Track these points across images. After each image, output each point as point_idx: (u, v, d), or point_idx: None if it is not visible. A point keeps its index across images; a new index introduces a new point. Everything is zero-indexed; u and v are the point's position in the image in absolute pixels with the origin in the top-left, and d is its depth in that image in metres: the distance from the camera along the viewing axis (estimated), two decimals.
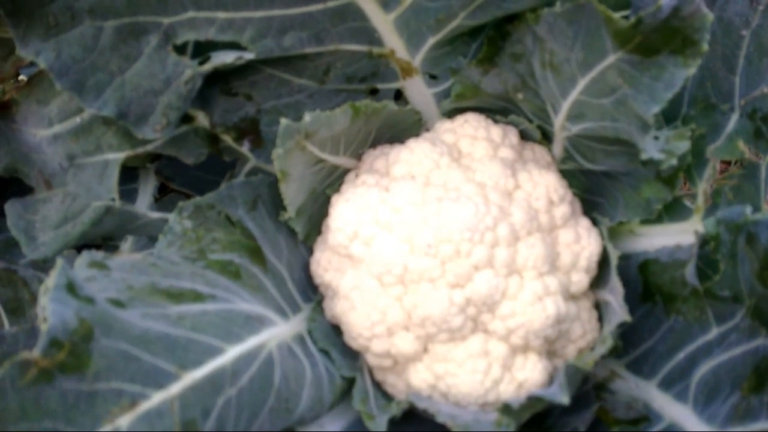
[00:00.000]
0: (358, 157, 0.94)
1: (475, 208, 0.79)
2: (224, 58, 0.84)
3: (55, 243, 0.89)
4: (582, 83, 0.75)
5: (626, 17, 0.77)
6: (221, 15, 0.82)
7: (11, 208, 0.92)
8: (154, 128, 0.82)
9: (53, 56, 0.78)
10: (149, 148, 0.89)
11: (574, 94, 0.78)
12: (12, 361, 0.48)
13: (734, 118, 0.81)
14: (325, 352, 0.82)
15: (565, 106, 0.81)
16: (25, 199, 0.93)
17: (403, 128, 0.95)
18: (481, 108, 0.95)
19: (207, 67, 0.84)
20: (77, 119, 0.89)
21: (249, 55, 0.85)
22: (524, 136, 0.94)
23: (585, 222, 0.87)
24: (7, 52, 0.94)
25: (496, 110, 0.95)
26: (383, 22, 0.86)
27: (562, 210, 0.85)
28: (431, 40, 0.88)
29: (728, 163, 1.01)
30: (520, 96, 0.88)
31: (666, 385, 0.78)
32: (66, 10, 0.78)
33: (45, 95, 0.90)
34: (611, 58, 0.68)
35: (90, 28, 0.79)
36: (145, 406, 0.56)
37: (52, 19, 0.78)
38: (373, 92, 0.95)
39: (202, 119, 0.90)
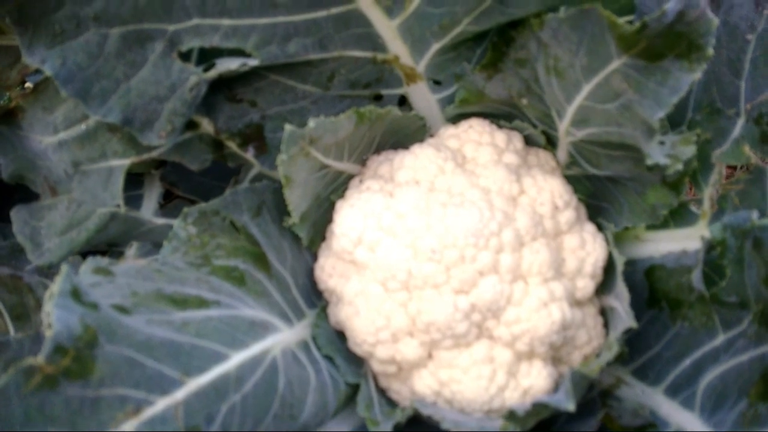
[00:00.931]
0: (363, 162, 0.95)
1: (480, 214, 0.78)
2: (229, 64, 0.85)
3: (61, 249, 0.89)
4: (587, 88, 0.75)
5: (630, 22, 0.77)
6: (226, 22, 0.83)
7: (17, 214, 0.93)
8: (159, 135, 0.82)
9: (59, 63, 0.78)
10: (154, 154, 0.89)
11: (578, 100, 0.77)
12: (16, 367, 0.48)
13: (740, 122, 0.81)
14: (329, 359, 0.82)
15: (570, 111, 0.81)
16: (31, 206, 0.94)
17: (408, 134, 0.95)
18: (485, 113, 0.95)
19: (212, 73, 0.84)
20: (82, 126, 0.89)
21: (253, 62, 0.85)
22: (529, 141, 0.94)
23: (590, 227, 0.87)
24: (13, 60, 0.95)
25: (501, 115, 0.94)
26: (387, 28, 0.86)
27: (566, 215, 0.85)
28: (435, 46, 0.88)
29: (734, 168, 1.01)
30: (524, 101, 0.88)
31: (672, 391, 0.78)
32: (71, 17, 0.78)
33: (50, 102, 0.91)
34: (616, 63, 0.67)
35: (95, 36, 0.80)
36: (149, 412, 0.55)
37: (58, 27, 0.78)
38: (378, 98, 0.96)
39: (206, 125, 0.90)
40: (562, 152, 0.90)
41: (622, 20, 0.65)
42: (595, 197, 0.90)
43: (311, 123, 0.78)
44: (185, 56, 0.84)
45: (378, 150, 0.96)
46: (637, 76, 0.66)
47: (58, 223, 0.90)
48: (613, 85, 0.70)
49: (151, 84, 0.81)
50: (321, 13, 0.84)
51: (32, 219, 0.92)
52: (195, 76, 0.83)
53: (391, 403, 0.84)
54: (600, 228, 0.88)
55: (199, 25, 0.82)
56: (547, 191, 0.85)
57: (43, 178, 0.93)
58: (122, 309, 0.61)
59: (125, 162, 0.89)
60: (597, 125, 0.78)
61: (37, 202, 0.94)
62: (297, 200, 0.85)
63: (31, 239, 0.90)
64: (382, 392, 0.85)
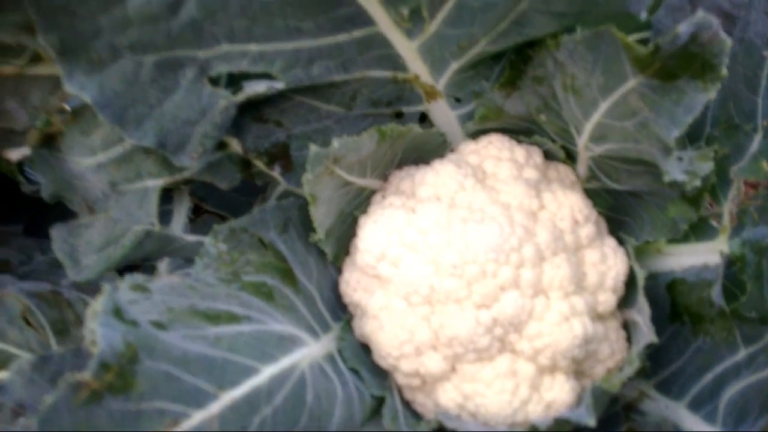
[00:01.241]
0: (385, 178, 0.97)
1: (500, 229, 0.80)
2: (256, 88, 0.88)
3: (98, 266, 0.93)
4: (603, 106, 0.76)
5: (646, 40, 0.78)
6: (253, 47, 0.86)
7: (57, 232, 0.98)
8: (192, 156, 0.86)
9: (97, 91, 0.82)
10: (186, 174, 0.93)
11: (596, 117, 0.79)
12: (66, 383, 0.52)
13: (757, 138, 0.81)
14: (355, 371, 0.84)
15: (588, 127, 0.82)
16: (69, 224, 0.98)
17: (428, 150, 0.97)
18: (504, 129, 0.97)
19: (240, 97, 0.88)
20: (119, 148, 0.94)
21: (279, 85, 0.88)
22: (548, 156, 0.95)
23: (611, 241, 0.87)
24: (53, 87, 1.00)
25: (520, 131, 0.96)
26: (407, 50, 0.88)
27: (587, 230, 0.86)
28: (454, 65, 0.91)
29: (757, 183, 1.00)
30: (543, 117, 0.90)
31: (695, 406, 0.78)
32: (109, 46, 0.82)
33: (88, 126, 0.95)
34: (631, 83, 0.69)
35: (131, 63, 0.84)
36: (186, 424, 0.58)
37: (96, 56, 0.82)
38: (399, 115, 0.98)
39: (235, 146, 0.94)
40: (582, 167, 0.91)
41: (638, 36, 0.67)
42: (616, 211, 0.91)
43: (335, 143, 0.81)
44: (215, 81, 0.87)
45: (400, 165, 0.98)
46: (653, 95, 0.68)
47: (96, 241, 0.95)
48: (629, 103, 0.71)
49: (184, 108, 0.85)
50: (343, 37, 0.87)
51: (71, 237, 0.97)
52: (224, 100, 0.86)
53: (416, 416, 0.86)
54: (621, 242, 0.88)
55: (228, 51, 0.86)
56: (567, 206, 0.86)
57: (81, 198, 0.98)
58: (159, 325, 0.64)
59: (159, 182, 0.93)
60: (615, 141, 0.79)
61: (75, 221, 0.99)
62: (322, 217, 0.88)
63: (70, 256, 0.95)
64: (407, 405, 0.87)
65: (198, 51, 0.85)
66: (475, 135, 0.98)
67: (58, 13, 0.76)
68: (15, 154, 0.98)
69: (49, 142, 0.98)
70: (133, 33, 0.81)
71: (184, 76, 0.86)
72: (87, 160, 0.96)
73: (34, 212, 1.30)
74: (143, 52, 0.83)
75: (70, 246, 0.96)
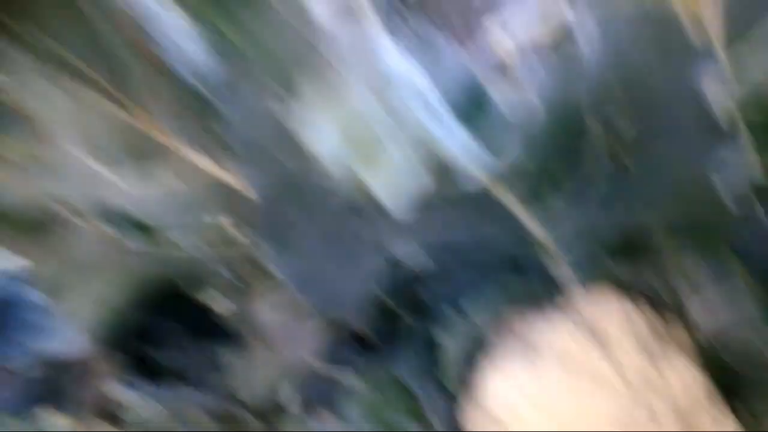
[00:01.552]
0: (505, 325, 1.09)
1: (617, 395, 0.87)
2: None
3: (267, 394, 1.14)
4: (710, 290, 0.84)
5: None
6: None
7: (233, 359, 1.21)
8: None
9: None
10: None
11: (703, 296, 0.86)
12: None
13: None
14: None
15: (696, 300, 0.89)
16: (244, 354, 1.21)
17: (545, 300, 1.08)
18: (619, 285, 1.05)
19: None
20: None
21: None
22: (661, 316, 1.02)
23: (725, 412, 0.91)
24: None
25: (635, 290, 1.04)
26: (529, 219, 1.02)
27: (700, 396, 0.90)
28: (571, 233, 1.03)
29: None
30: (656, 283, 0.98)
31: None
32: None
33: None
34: (737, 285, 0.77)
35: None
36: None
37: None
38: (519, 269, 1.11)
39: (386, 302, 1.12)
40: (694, 331, 0.97)
41: None
42: (728, 380, 0.94)
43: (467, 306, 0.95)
44: None
45: (519, 311, 1.09)
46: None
47: (265, 371, 1.17)
48: (735, 297, 0.78)
49: None
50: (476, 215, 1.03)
51: (243, 363, 1.20)
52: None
53: None
54: (735, 413, 0.91)
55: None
56: (682, 371, 0.91)
57: (257, 333, 1.21)
58: None
59: (318, 324, 1.14)
60: (723, 321, 0.85)
61: (248, 352, 1.22)
62: (452, 364, 1.01)
63: (244, 382, 1.17)
64: None
65: None
66: (590, 288, 1.07)
67: None
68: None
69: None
70: None
71: None
72: (264, 306, 1.20)
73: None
74: None
75: (244, 372, 1.18)
